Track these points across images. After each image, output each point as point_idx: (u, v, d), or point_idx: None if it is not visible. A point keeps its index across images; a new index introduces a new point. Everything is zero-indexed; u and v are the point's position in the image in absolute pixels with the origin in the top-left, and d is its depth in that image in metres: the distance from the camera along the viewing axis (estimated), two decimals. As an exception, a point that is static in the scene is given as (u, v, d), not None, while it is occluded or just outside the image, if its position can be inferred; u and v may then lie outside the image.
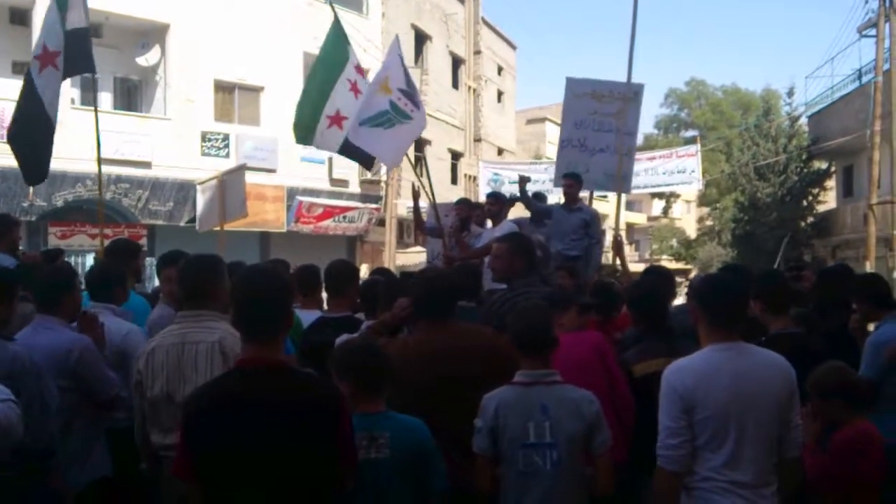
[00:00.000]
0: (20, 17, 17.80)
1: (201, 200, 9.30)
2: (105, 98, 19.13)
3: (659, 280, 5.10)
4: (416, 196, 8.72)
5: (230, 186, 8.46)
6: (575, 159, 9.01)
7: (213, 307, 3.50)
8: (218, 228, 8.61)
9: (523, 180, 8.75)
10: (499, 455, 3.37)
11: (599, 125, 8.94)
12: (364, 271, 14.31)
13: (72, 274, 4.34)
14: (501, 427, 3.32)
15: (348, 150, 8.10)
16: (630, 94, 8.81)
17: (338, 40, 8.20)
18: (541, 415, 3.31)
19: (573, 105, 9.16)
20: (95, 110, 7.84)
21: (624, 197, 8.74)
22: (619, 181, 8.69)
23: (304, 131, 8.18)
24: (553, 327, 3.53)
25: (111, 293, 4.56)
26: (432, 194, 8.37)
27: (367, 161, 8.83)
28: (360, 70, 8.22)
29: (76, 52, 7.42)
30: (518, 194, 8.83)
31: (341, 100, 8.01)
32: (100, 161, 7.74)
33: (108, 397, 3.92)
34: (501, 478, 3.38)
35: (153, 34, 19.17)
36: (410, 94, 7.67)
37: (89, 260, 15.85)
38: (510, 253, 4.82)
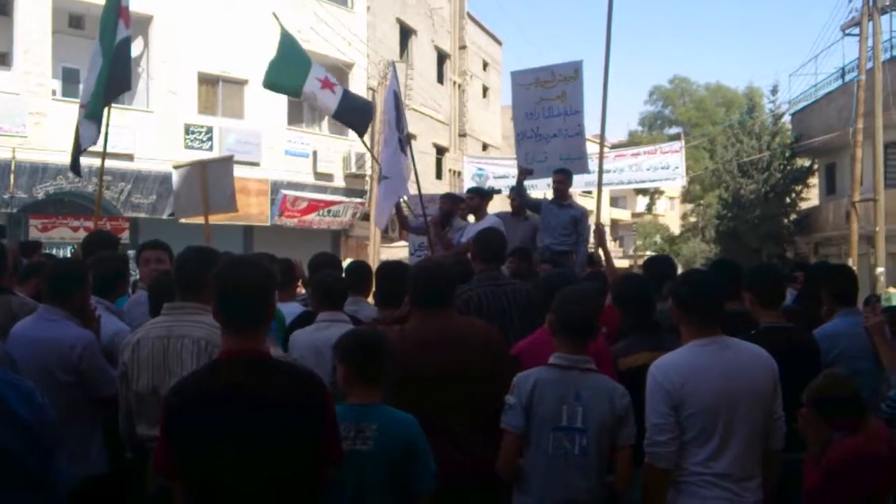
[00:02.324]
0: (1, 7, 17.61)
1: (178, 185, 8.80)
2: (87, 89, 18.97)
3: (653, 274, 5.11)
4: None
5: (215, 177, 8.17)
6: (532, 150, 9.09)
7: (204, 300, 3.40)
8: (201, 221, 8.40)
9: (523, 172, 8.74)
10: (527, 434, 3.31)
11: (548, 111, 8.98)
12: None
13: (85, 268, 4.25)
14: (535, 406, 3.27)
15: (342, 114, 8.21)
16: (570, 74, 8.90)
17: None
18: (574, 399, 3.28)
19: (521, 97, 9.25)
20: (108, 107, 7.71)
21: (606, 193, 8.76)
22: (575, 162, 8.79)
23: (279, 79, 8.16)
24: (599, 317, 3.50)
25: (109, 289, 4.51)
26: (418, 187, 8.31)
27: (359, 127, 8.67)
28: (327, 83, 8.15)
29: (119, 69, 7.35)
30: (496, 188, 8.82)
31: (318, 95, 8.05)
32: (104, 156, 7.69)
33: (109, 395, 3.82)
34: (527, 462, 3.34)
35: (136, 26, 18.83)
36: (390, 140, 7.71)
37: (69, 253, 15.71)
38: (468, 247, 4.82)
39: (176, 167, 8.89)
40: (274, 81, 8.16)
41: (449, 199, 8.56)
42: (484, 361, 3.58)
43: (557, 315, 3.44)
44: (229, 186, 8.08)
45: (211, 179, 8.00)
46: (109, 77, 7.25)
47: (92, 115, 7.39)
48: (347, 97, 8.28)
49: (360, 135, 8.65)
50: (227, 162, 8.50)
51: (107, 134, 7.53)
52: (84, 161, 7.98)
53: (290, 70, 8.08)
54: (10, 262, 4.88)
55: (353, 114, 8.27)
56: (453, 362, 3.52)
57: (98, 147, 7.47)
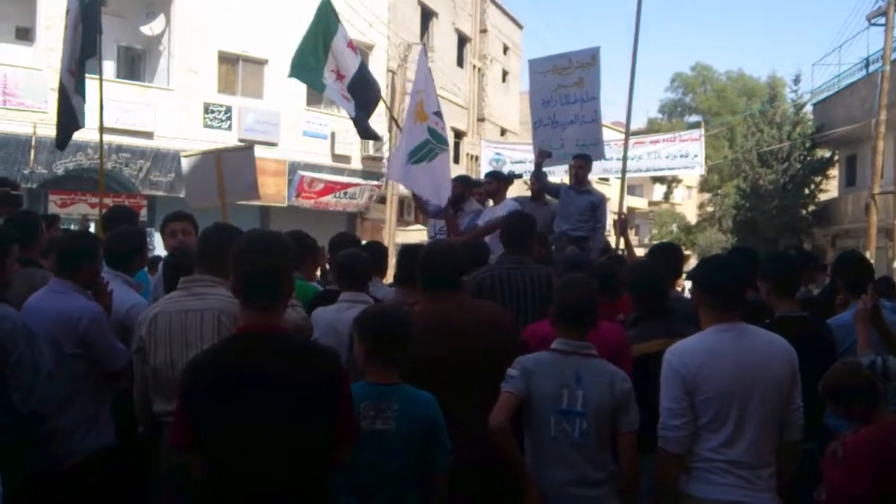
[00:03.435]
0: (24, -17, 17.66)
1: (190, 172, 8.29)
2: (108, 66, 18.98)
3: (658, 262, 5.07)
4: None
5: (233, 165, 8.07)
6: (549, 137, 9.08)
7: (223, 275, 3.37)
8: (217, 204, 8.32)
9: (542, 154, 8.71)
10: (528, 417, 3.34)
11: (565, 98, 8.98)
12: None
13: (95, 242, 4.28)
14: (535, 386, 3.30)
15: (357, 119, 8.31)
16: (587, 60, 8.88)
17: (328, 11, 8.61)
18: (575, 383, 3.30)
19: (538, 85, 9.26)
20: (101, 79, 7.67)
21: (626, 180, 8.75)
22: (592, 148, 8.75)
23: (305, 70, 8.51)
24: (597, 306, 3.51)
25: (126, 262, 4.54)
26: None
27: (369, 132, 8.80)
28: (350, 45, 8.45)
29: (86, 35, 7.21)
30: (516, 173, 8.78)
31: (340, 56, 8.37)
32: (101, 130, 7.65)
33: (115, 369, 3.86)
34: (531, 444, 3.37)
35: (158, 3, 19.05)
36: (441, 114, 7.61)
37: (90, 229, 15.78)
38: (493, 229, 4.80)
39: (186, 156, 8.74)
40: (299, 73, 8.51)
41: (460, 182, 8.50)
42: (490, 345, 3.59)
43: (555, 303, 3.47)
44: (251, 174, 8.03)
45: (228, 167, 7.89)
46: (81, 44, 7.18)
47: (79, 92, 7.39)
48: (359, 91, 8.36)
49: (374, 139, 8.86)
50: (247, 150, 8.46)
51: (101, 107, 7.52)
52: (105, 138, 7.98)
53: (313, 62, 8.37)
54: (42, 235, 4.94)
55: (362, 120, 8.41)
56: (458, 347, 3.54)
57: (112, 124, 7.43)
